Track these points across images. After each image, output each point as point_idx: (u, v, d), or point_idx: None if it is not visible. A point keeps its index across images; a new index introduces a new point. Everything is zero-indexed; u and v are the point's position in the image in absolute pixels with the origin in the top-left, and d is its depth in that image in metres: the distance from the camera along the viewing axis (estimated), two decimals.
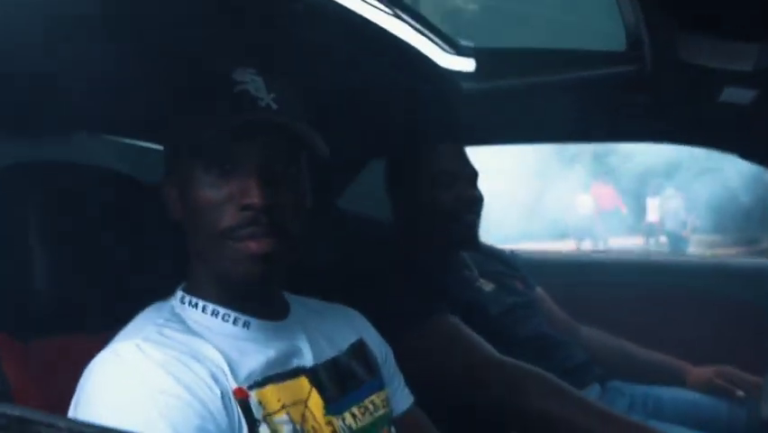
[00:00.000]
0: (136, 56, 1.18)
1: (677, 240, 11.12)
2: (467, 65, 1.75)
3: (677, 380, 1.80)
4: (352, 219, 2.10)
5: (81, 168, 1.14)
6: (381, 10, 1.40)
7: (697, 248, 11.38)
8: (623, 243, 12.52)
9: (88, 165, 1.16)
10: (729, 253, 10.93)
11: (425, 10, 1.59)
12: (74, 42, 1.06)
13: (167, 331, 0.90)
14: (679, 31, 1.19)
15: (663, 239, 12.08)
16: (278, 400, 0.91)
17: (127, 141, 1.79)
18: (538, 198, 12.42)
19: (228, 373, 0.88)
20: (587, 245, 12.66)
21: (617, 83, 1.70)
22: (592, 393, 1.70)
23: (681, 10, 1.11)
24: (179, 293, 0.99)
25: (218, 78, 0.95)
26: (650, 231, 12.41)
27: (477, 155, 1.81)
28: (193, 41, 1.21)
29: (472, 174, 1.73)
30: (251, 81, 0.94)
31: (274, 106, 0.94)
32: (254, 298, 0.98)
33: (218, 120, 0.91)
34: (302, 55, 1.35)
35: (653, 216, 12.28)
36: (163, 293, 1.01)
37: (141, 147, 1.77)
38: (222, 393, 0.85)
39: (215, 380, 0.85)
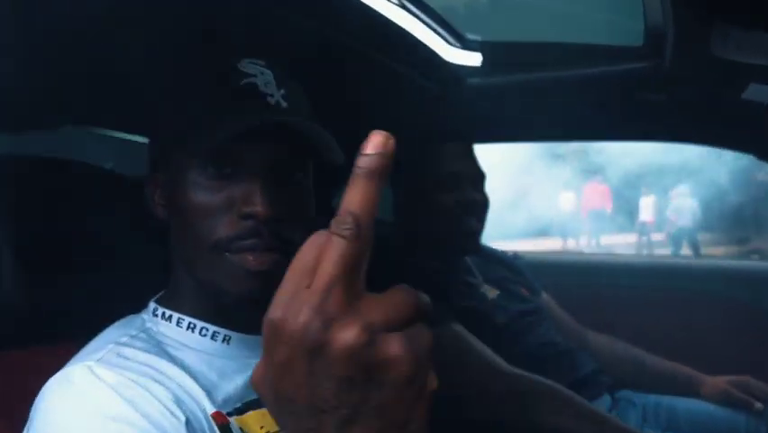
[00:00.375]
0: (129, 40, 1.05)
1: (689, 236, 10.94)
2: (473, 59, 1.63)
3: (690, 390, 1.67)
4: None
5: (53, 162, 1.01)
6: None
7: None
8: (616, 241, 12.53)
9: (61, 159, 1.03)
10: (718, 252, 10.89)
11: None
12: (63, 26, 0.94)
13: (128, 351, 0.77)
14: (711, 24, 1.07)
15: (658, 236, 12.06)
16: (261, 428, 0.79)
17: (120, 135, 1.67)
18: (536, 196, 12.41)
19: (203, 395, 0.76)
20: (580, 243, 12.68)
21: (631, 79, 1.57)
22: (602, 404, 1.58)
23: (718, 2, 1.00)
24: (152, 305, 0.86)
25: (222, 67, 0.82)
26: (642, 230, 12.40)
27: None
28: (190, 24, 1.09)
29: (477, 176, 1.60)
30: (260, 74, 0.81)
31: (284, 104, 0.81)
32: (241, 313, 0.84)
33: (224, 118, 0.77)
34: (299, 46, 1.22)
35: (645, 215, 12.27)
36: (144, 299, 0.88)
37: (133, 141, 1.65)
38: (188, 419, 0.72)
39: (180, 404, 0.73)
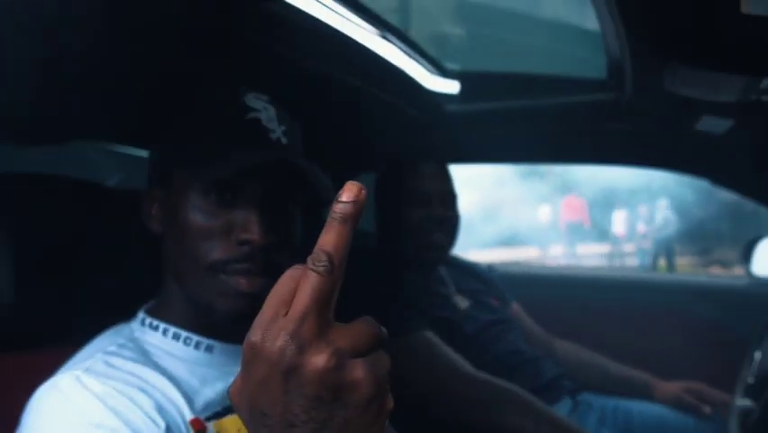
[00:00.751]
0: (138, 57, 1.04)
1: (666, 247, 10.91)
2: (452, 87, 1.62)
3: (646, 393, 1.67)
4: None
5: (47, 178, 0.99)
6: (370, 31, 1.28)
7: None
8: (592, 250, 12.59)
9: (55, 175, 1.01)
10: (683, 262, 10.92)
11: (414, 33, 1.46)
12: (73, 50, 0.92)
13: (115, 360, 0.76)
14: (665, 61, 1.07)
15: (629, 247, 12.11)
16: (239, 431, 0.78)
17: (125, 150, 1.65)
18: (518, 208, 12.46)
19: (183, 403, 0.75)
20: (558, 253, 12.74)
21: (596, 109, 1.57)
22: (564, 407, 1.57)
23: (669, 41, 0.99)
24: (140, 315, 0.85)
25: (230, 99, 0.81)
26: (615, 241, 12.45)
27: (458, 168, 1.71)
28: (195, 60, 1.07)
29: (448, 194, 1.62)
30: (264, 110, 0.81)
31: (284, 141, 0.81)
32: (225, 325, 0.83)
33: (233, 151, 0.77)
34: (288, 74, 1.22)
35: (618, 228, 12.32)
36: (134, 306, 0.87)
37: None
38: (168, 425, 0.72)
39: (161, 411, 0.72)
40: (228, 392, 0.47)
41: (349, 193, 0.44)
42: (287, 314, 0.43)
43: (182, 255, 0.80)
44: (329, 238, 0.43)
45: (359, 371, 0.43)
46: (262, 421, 0.44)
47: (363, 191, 0.44)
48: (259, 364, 0.43)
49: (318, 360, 0.42)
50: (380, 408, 0.45)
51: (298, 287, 0.43)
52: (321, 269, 0.43)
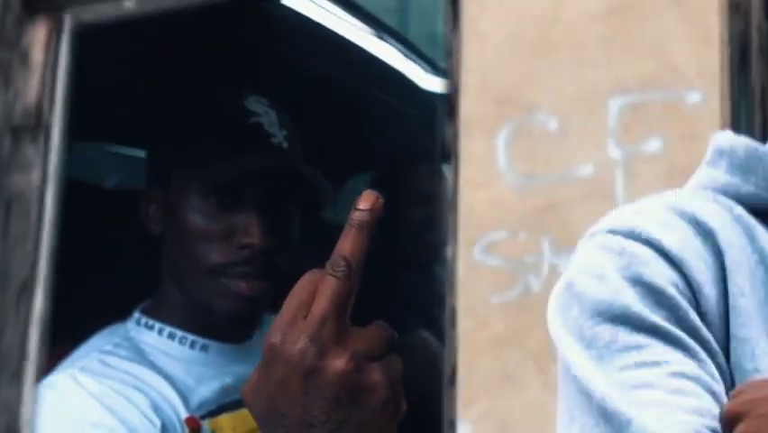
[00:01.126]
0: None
1: None
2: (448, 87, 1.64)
3: None
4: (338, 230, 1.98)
5: None
6: (368, 32, 1.30)
7: None
8: None
9: None
10: None
11: (412, 33, 1.48)
12: None
13: (111, 359, 0.77)
14: None
15: None
16: (233, 429, 0.79)
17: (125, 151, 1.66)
18: None
19: (178, 402, 0.76)
20: None
21: None
22: None
23: None
24: (136, 314, 0.85)
25: (231, 103, 0.82)
26: None
27: None
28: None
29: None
30: (265, 114, 0.82)
31: (285, 145, 0.82)
32: (221, 325, 0.84)
33: (234, 156, 0.79)
34: (287, 74, 1.23)
35: None
36: (130, 306, 0.87)
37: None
38: (163, 424, 0.73)
39: (157, 410, 0.74)
40: (240, 391, 0.48)
41: (366, 201, 0.46)
42: (305, 317, 0.44)
43: (182, 256, 0.81)
44: (347, 244, 0.45)
45: (376, 374, 0.45)
46: (280, 421, 0.45)
47: (380, 200, 0.46)
48: (278, 366, 0.44)
49: (338, 363, 0.43)
50: (395, 409, 0.47)
51: (317, 291, 0.45)
52: (339, 273, 0.44)
